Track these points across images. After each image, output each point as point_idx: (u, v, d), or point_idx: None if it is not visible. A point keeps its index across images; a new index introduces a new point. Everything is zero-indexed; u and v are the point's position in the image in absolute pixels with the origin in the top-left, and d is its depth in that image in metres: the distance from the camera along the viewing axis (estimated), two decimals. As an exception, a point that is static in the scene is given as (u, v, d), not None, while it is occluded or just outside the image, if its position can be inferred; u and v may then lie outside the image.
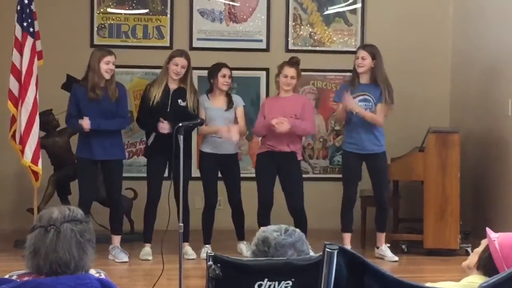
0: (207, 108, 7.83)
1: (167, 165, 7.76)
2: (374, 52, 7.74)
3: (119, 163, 7.70)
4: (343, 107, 7.73)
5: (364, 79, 7.79)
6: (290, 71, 7.77)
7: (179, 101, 7.67)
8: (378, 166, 7.81)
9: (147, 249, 7.73)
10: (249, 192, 7.96)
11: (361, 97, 7.75)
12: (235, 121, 7.91)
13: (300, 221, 7.70)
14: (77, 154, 7.73)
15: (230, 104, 7.88)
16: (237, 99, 7.99)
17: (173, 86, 7.72)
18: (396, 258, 7.77)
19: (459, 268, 3.42)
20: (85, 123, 7.44)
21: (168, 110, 7.65)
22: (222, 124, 7.79)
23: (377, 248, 7.91)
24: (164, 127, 7.56)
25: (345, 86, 7.93)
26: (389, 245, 7.89)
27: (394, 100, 7.80)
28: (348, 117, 7.81)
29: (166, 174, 7.84)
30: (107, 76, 7.50)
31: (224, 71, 7.83)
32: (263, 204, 7.75)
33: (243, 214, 7.92)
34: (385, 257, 7.77)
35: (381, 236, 7.91)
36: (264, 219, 7.56)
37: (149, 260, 7.60)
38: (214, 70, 7.88)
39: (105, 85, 7.53)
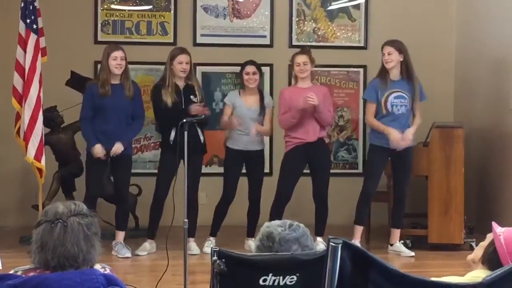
0: (239, 106, 7.86)
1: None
2: (400, 47, 7.72)
3: (128, 159, 7.71)
4: (392, 146, 7.66)
5: (394, 75, 7.75)
6: (300, 58, 7.80)
7: (191, 97, 7.69)
8: (405, 161, 7.78)
9: (146, 245, 7.75)
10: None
11: (395, 94, 7.70)
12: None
13: (322, 208, 7.78)
14: (87, 147, 7.68)
15: (262, 107, 7.89)
16: (268, 101, 8.02)
17: (181, 83, 7.74)
18: (413, 254, 7.74)
19: (464, 263, 3.43)
20: (97, 151, 7.46)
21: (183, 107, 7.63)
22: (250, 123, 7.80)
23: (391, 245, 7.87)
24: (196, 109, 7.57)
25: (375, 83, 7.83)
26: (402, 241, 7.88)
27: (425, 95, 7.84)
28: (378, 112, 7.78)
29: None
30: (116, 71, 7.50)
31: (248, 68, 7.87)
32: (281, 201, 7.75)
33: (259, 211, 7.93)
34: (402, 253, 7.74)
35: (396, 233, 7.88)
36: (277, 213, 7.55)
37: (143, 255, 7.64)
38: (241, 68, 7.95)
39: (120, 81, 7.55)
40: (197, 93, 7.75)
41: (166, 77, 7.72)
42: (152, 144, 9.38)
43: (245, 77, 7.85)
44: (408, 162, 7.82)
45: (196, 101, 7.69)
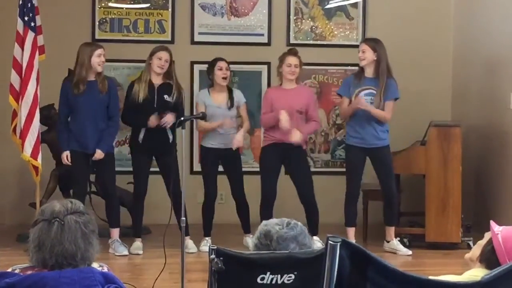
0: (208, 105, 7.81)
1: (154, 160, 7.84)
2: (375, 45, 7.73)
3: (110, 157, 7.71)
4: (353, 105, 7.71)
5: (369, 73, 7.77)
6: (293, 59, 7.79)
7: (165, 96, 7.69)
8: (383, 159, 7.80)
9: (138, 243, 7.76)
10: (252, 186, 7.99)
11: (366, 91, 7.74)
12: (237, 116, 7.97)
13: (311, 211, 7.77)
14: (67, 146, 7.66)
15: (232, 101, 7.87)
16: (238, 95, 7.99)
17: (157, 81, 7.74)
18: (410, 252, 7.75)
19: (461, 262, 3.43)
20: (64, 159, 7.61)
21: (155, 105, 7.65)
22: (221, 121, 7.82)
23: (387, 242, 7.88)
24: (153, 122, 7.61)
25: (349, 79, 7.92)
26: (399, 239, 7.89)
27: (399, 95, 7.82)
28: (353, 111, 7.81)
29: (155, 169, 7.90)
30: (99, 69, 7.53)
31: (220, 64, 7.83)
32: (266, 197, 7.75)
33: (247, 207, 7.93)
34: (399, 251, 7.75)
35: (391, 230, 7.89)
36: (266, 212, 7.56)
37: (139, 254, 7.64)
38: (211, 65, 7.90)
39: (95, 77, 7.56)
40: (174, 92, 7.72)
41: (145, 73, 7.76)
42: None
43: (219, 72, 7.81)
44: (387, 160, 7.82)
45: (170, 100, 7.69)
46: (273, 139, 7.78)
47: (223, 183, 7.99)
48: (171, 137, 7.69)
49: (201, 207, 7.93)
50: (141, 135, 7.70)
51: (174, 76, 7.79)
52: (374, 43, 7.75)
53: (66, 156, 7.59)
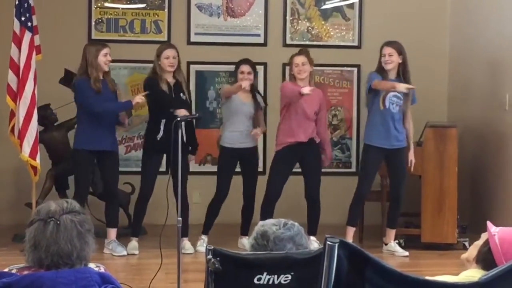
0: (233, 99, 7.84)
1: (163, 161, 7.82)
2: (400, 48, 7.73)
3: (115, 155, 7.73)
4: (390, 87, 7.63)
5: (392, 75, 7.75)
6: (298, 58, 7.83)
7: (181, 95, 7.73)
8: (402, 161, 7.80)
9: (134, 243, 7.75)
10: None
11: (394, 93, 7.69)
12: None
13: (314, 208, 7.82)
14: (75, 145, 7.64)
15: (256, 103, 7.97)
16: (260, 99, 8.09)
17: (170, 79, 7.75)
18: (407, 253, 7.76)
19: (457, 262, 3.43)
20: (139, 97, 7.56)
21: (176, 104, 7.65)
22: (243, 119, 7.87)
23: (386, 244, 7.89)
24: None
25: (375, 73, 7.75)
26: (397, 241, 7.89)
27: (416, 99, 7.96)
28: (374, 111, 7.78)
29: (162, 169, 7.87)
30: (106, 68, 7.56)
31: (242, 68, 7.90)
32: (271, 198, 7.77)
33: (253, 209, 7.95)
34: (396, 252, 7.76)
35: (391, 233, 7.90)
36: (268, 212, 7.57)
37: (135, 254, 7.63)
38: (235, 67, 7.97)
39: (103, 77, 7.57)
40: (185, 90, 7.80)
41: (157, 73, 7.73)
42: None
43: (240, 76, 7.87)
44: (403, 161, 7.83)
45: (184, 98, 7.75)
46: (286, 143, 7.78)
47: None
48: (185, 137, 7.69)
49: (199, 208, 7.93)
50: (160, 134, 7.68)
51: (181, 73, 7.88)
52: (399, 46, 7.74)
53: (137, 97, 7.58)
